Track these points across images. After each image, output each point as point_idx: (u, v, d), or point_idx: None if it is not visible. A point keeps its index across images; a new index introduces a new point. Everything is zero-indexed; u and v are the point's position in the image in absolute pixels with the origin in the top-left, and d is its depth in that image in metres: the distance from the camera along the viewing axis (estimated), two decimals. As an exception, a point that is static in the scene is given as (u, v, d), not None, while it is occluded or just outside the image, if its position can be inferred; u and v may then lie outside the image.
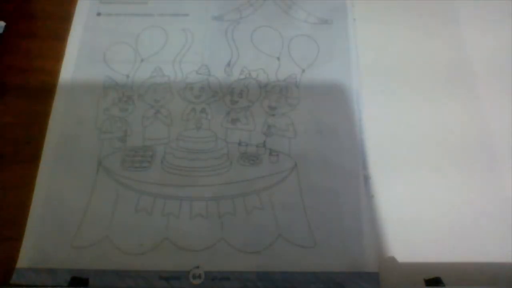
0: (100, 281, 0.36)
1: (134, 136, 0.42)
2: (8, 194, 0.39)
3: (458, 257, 0.37)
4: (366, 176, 0.40)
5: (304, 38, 0.46)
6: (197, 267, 0.36)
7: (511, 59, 0.45)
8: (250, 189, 0.39)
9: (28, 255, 0.37)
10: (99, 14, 0.47)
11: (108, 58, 0.45)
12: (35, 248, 0.37)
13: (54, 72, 0.44)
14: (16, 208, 0.39)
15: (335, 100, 0.43)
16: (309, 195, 0.39)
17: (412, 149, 0.41)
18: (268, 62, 0.45)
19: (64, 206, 0.38)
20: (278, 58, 0.45)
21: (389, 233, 0.38)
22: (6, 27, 0.46)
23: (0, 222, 0.38)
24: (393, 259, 0.37)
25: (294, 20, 0.47)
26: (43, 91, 0.43)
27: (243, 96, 0.43)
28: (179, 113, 0.42)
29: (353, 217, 0.38)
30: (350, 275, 0.36)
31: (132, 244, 0.37)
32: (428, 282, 0.35)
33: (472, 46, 0.46)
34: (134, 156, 0.41)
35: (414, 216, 0.38)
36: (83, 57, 0.45)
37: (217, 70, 0.44)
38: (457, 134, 0.42)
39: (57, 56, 0.45)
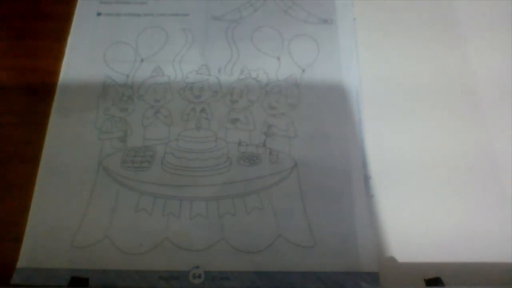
0: (100, 281, 0.36)
1: (134, 136, 0.42)
2: (8, 194, 0.40)
3: (458, 257, 0.37)
4: (366, 176, 0.40)
5: (304, 38, 0.46)
6: (197, 267, 0.36)
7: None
8: (250, 189, 0.39)
9: (28, 255, 0.37)
10: (99, 14, 0.47)
11: (108, 58, 0.45)
12: (35, 248, 0.37)
13: (54, 72, 0.44)
14: (16, 208, 0.39)
15: (335, 100, 0.43)
16: (309, 195, 0.39)
17: (413, 148, 0.41)
18: (268, 62, 0.45)
19: (64, 206, 0.38)
20: (278, 58, 0.45)
21: (389, 233, 0.38)
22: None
23: (0, 222, 0.38)
24: (393, 259, 0.37)
25: (294, 20, 0.47)
26: (43, 91, 0.43)
27: (243, 96, 0.43)
28: (179, 113, 0.43)
29: (353, 217, 0.38)
30: (350, 275, 0.36)
31: (132, 244, 0.37)
32: (428, 282, 0.35)
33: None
34: (134, 156, 0.41)
35: (414, 216, 0.38)
36: (83, 57, 0.45)
37: (217, 70, 0.44)
38: (459, 131, 0.42)
39: (57, 56, 0.45)
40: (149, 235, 0.37)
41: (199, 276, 0.36)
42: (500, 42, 0.45)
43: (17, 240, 0.37)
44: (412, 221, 0.38)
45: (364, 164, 0.40)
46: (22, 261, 0.36)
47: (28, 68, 0.45)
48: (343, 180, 0.39)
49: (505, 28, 0.46)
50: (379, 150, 0.41)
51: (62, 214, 0.38)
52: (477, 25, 0.46)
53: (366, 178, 0.40)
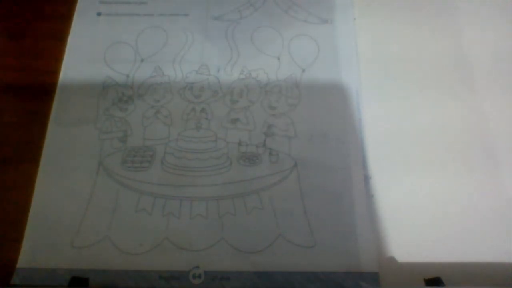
0: (100, 281, 0.36)
1: (134, 136, 0.42)
2: (8, 194, 0.39)
3: (458, 257, 0.37)
4: (366, 176, 0.40)
5: (304, 38, 0.46)
6: (197, 267, 0.36)
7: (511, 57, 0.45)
8: (250, 189, 0.39)
9: (28, 255, 0.37)
10: (99, 14, 0.47)
11: (108, 58, 0.45)
12: (35, 248, 0.37)
13: (54, 72, 0.44)
14: (16, 208, 0.39)
15: (335, 100, 0.43)
16: (309, 195, 0.39)
17: (412, 148, 0.41)
18: (268, 62, 0.45)
19: (64, 206, 0.38)
20: (278, 58, 0.45)
21: (389, 233, 0.38)
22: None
23: (0, 222, 0.38)
24: (393, 259, 0.37)
25: (294, 20, 0.47)
26: (43, 91, 0.43)
27: (243, 96, 0.43)
28: (179, 113, 0.43)
29: (353, 217, 0.38)
30: (350, 275, 0.36)
31: (132, 244, 0.37)
32: (428, 282, 0.35)
33: (473, 44, 0.45)
34: (134, 156, 0.41)
35: (414, 216, 0.38)
36: (83, 57, 0.45)
37: (217, 70, 0.44)
38: (457, 133, 0.41)
39: (57, 56, 0.45)
40: (149, 235, 0.37)
41: (199, 276, 0.36)
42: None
43: (17, 240, 0.37)
44: (412, 220, 0.38)
45: (364, 164, 0.40)
46: (22, 261, 0.36)
47: (28, 68, 0.45)
48: (343, 180, 0.39)
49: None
50: (380, 149, 0.41)
51: (62, 214, 0.38)
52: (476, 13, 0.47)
53: (366, 178, 0.40)
